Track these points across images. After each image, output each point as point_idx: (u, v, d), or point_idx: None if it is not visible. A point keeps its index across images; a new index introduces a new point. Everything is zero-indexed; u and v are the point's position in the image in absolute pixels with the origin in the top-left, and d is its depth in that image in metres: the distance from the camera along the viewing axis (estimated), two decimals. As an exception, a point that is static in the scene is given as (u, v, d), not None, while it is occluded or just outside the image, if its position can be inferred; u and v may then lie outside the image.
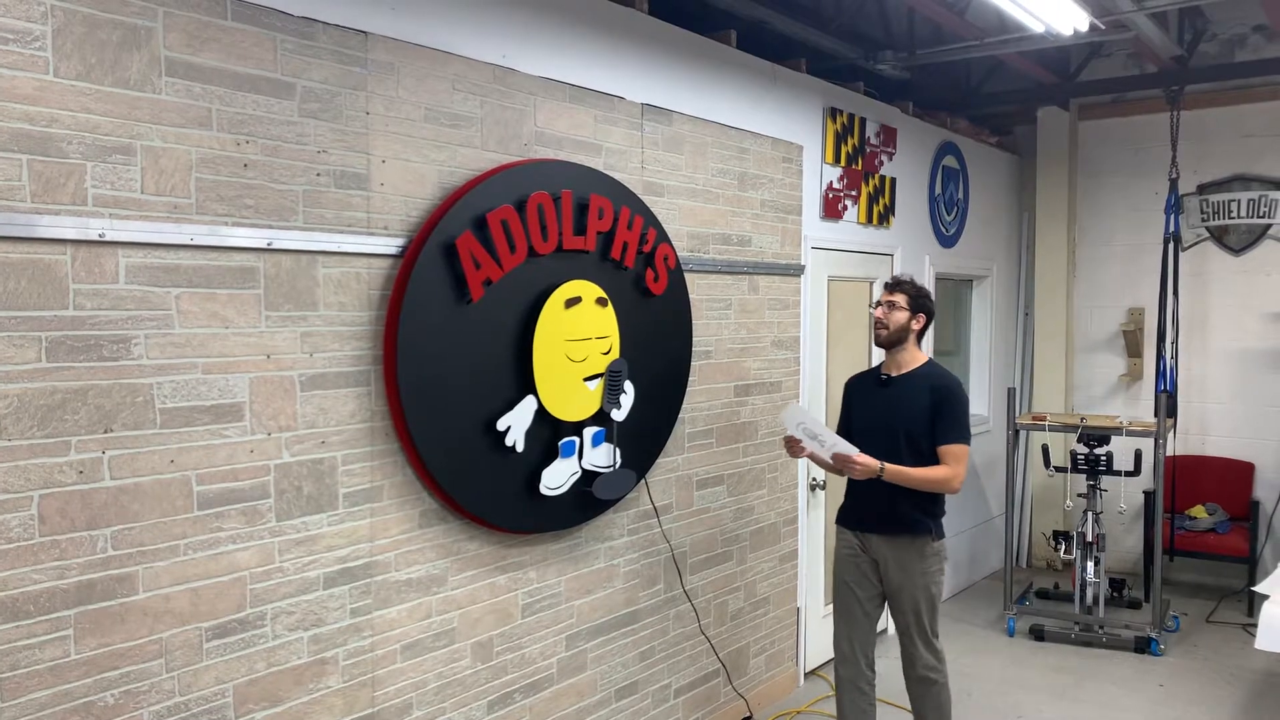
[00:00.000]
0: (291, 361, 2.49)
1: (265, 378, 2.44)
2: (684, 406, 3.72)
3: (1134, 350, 6.40)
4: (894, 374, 3.43)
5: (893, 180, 5.13)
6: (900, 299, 3.37)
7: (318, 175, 2.53)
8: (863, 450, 3.26)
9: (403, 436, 2.72)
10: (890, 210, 5.12)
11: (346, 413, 2.62)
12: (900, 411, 3.36)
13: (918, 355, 3.44)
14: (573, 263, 3.14)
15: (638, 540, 3.61)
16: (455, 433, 2.82)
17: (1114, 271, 6.50)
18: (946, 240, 5.77)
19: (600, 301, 3.20)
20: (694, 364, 3.77)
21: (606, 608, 3.49)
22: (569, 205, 3.07)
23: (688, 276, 3.67)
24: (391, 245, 2.70)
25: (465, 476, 2.87)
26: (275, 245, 2.44)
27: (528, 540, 3.16)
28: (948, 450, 3.30)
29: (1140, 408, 6.39)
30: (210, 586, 2.35)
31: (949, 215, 5.77)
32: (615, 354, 3.27)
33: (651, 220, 3.44)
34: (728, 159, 3.95)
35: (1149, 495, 5.94)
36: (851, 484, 3.45)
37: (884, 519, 3.40)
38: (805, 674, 4.66)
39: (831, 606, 3.68)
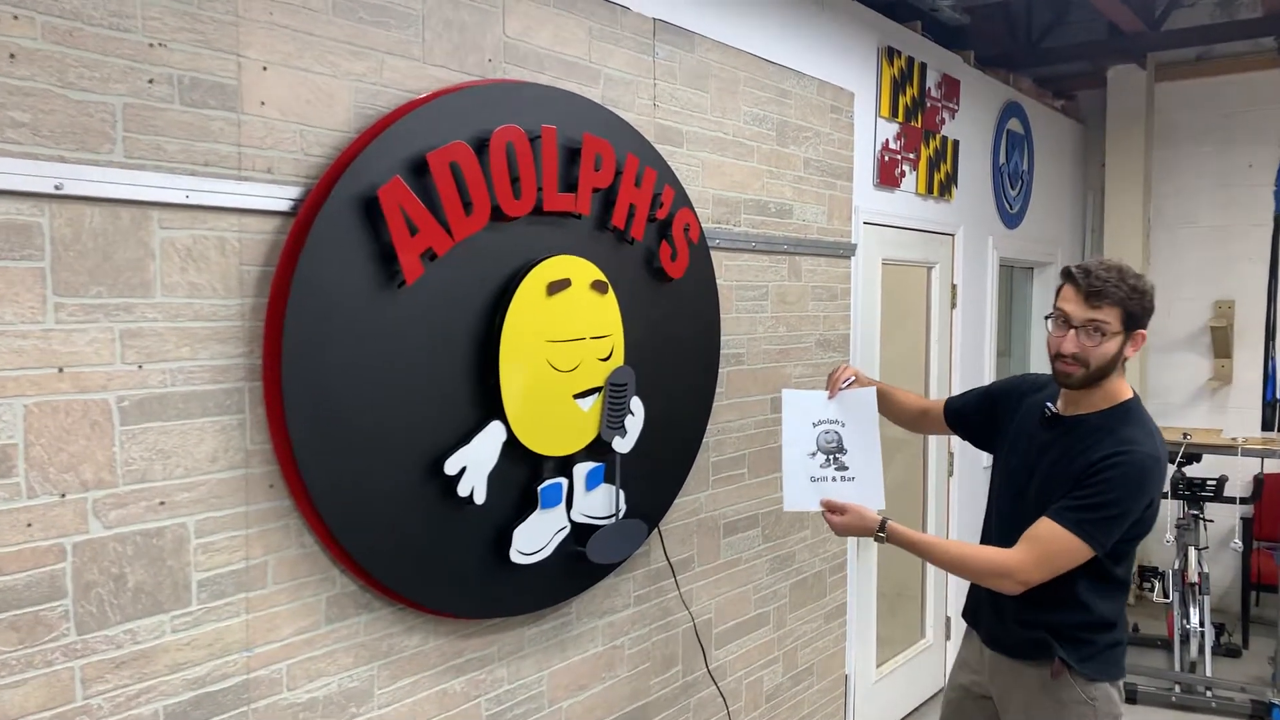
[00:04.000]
0: (104, 378, 1.56)
1: (55, 404, 1.51)
2: (708, 427, 2.79)
3: (1222, 350, 5.47)
4: (1066, 412, 2.14)
5: (955, 143, 4.20)
6: (1110, 316, 1.99)
7: (150, 82, 1.59)
8: (998, 507, 2.23)
9: (297, 489, 1.79)
10: (952, 180, 4.19)
11: (203, 456, 1.68)
12: (1048, 468, 2.12)
13: (1116, 391, 2.10)
14: (558, 231, 2.21)
15: (648, 610, 2.68)
16: (381, 480, 1.89)
17: (1197, 258, 5.57)
18: (1010, 219, 4.84)
19: (598, 287, 2.27)
20: (721, 370, 2.85)
21: (606, 705, 2.56)
22: (552, 148, 2.14)
23: (713, 255, 2.74)
24: (279, 197, 1.76)
25: (397, 544, 1.94)
26: (71, 190, 1.50)
27: (494, 626, 2.23)
28: (1038, 531, 2.02)
29: (1229, 417, 5.46)
30: (-51, 754, 1.42)
31: (1013, 190, 4.85)
32: (618, 360, 2.34)
33: (667, 176, 2.51)
34: (764, 103, 3.01)
35: (1246, 522, 5.03)
36: None
37: (996, 627, 2.22)
38: (853, 755, 3.73)
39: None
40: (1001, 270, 4.99)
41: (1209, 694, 4.24)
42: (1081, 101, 5.83)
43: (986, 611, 2.24)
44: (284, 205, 1.77)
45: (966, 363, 4.41)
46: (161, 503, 1.63)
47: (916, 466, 4.22)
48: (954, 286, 4.28)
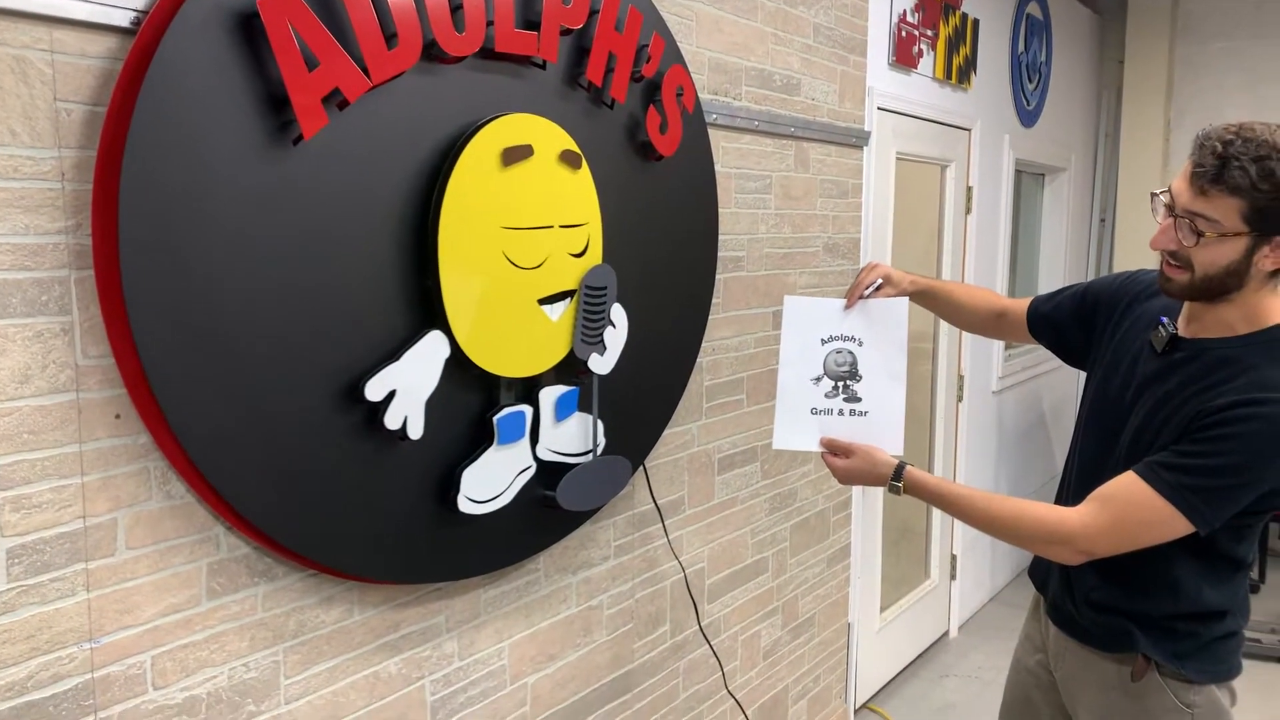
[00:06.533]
0: None
1: None
2: (702, 345, 2.32)
3: (1244, 265, 5.05)
4: (1187, 333, 1.59)
5: (975, 23, 3.68)
6: (1222, 212, 1.43)
7: None
8: (1082, 448, 1.73)
9: (154, 420, 1.30)
10: (971, 65, 3.68)
11: (7, 374, 1.18)
12: (1152, 405, 1.57)
13: (1262, 310, 1.52)
14: (515, 83, 1.69)
15: (630, 563, 2.24)
16: (277, 407, 1.40)
17: (1220, 165, 5.11)
18: (1028, 117, 4.34)
19: (568, 159, 1.76)
20: (717, 277, 2.36)
21: (581, 676, 2.13)
22: (507, -32, 1.61)
23: (710, 133, 2.24)
24: (111, 5, 1.23)
25: (305, 492, 1.45)
26: None
27: (440, 591, 1.77)
28: (1117, 489, 1.52)
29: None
30: None
31: (1030, 84, 4.34)
32: (596, 257, 1.85)
33: (656, 22, 1.99)
34: (769, -50, 2.48)
35: None
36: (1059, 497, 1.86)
37: (1063, 601, 1.73)
38: (855, 710, 3.36)
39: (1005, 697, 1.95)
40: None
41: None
42: (1098, -9, 5.30)
43: (1055, 578, 1.75)
44: (120, 18, 1.24)
45: (980, 277, 3.95)
46: (-59, 442, 1.14)
47: (923, 390, 3.79)
48: (969, 189, 3.80)
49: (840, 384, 1.81)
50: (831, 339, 1.83)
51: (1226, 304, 1.52)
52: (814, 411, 1.80)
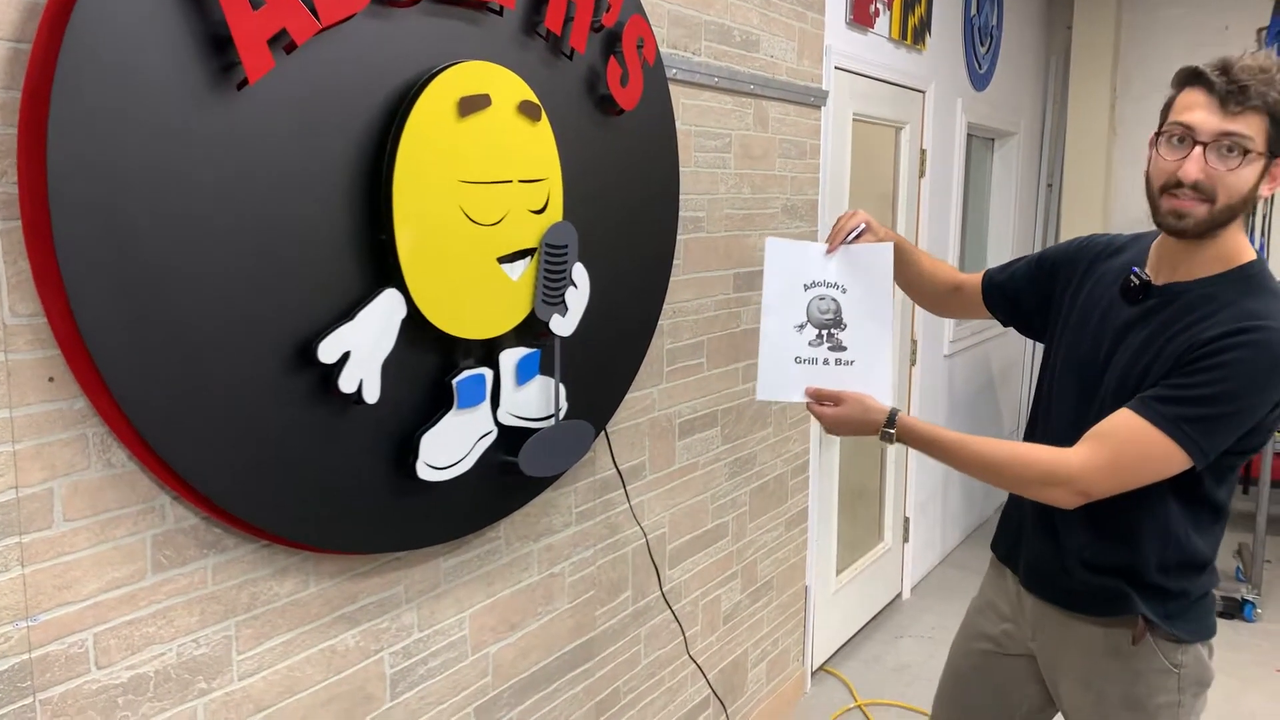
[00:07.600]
0: None
1: None
2: (663, 308, 2.27)
3: (1186, 229, 5.14)
4: (1160, 280, 1.58)
5: (931, -17, 3.65)
6: (1255, 130, 1.43)
7: None
8: (1056, 412, 1.69)
9: (92, 384, 1.22)
10: (926, 25, 3.66)
11: (-74, 334, 1.10)
12: (1133, 353, 1.56)
13: (1234, 249, 1.53)
14: (471, 29, 1.61)
15: (592, 529, 2.20)
16: (224, 370, 1.32)
17: (1164, 130, 5.18)
18: (979, 80, 4.34)
19: (527, 110, 1.69)
20: (679, 237, 2.31)
21: (543, 645, 2.09)
22: (462, -93, 1.53)
23: (670, 89, 2.17)
24: (32, -66, 1.14)
25: (255, 459, 1.38)
26: None
27: (398, 561, 1.71)
28: (1114, 425, 1.50)
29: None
30: None
31: (982, 47, 4.33)
32: (556, 214, 1.78)
33: (616, -30, 1.91)
34: (728, -100, 2.41)
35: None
36: None
37: (1047, 566, 1.70)
38: (812, 672, 3.38)
39: (940, 685, 1.99)
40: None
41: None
42: (1047, -44, 5.31)
43: (1033, 543, 1.71)
44: (43, -53, 1.14)
45: (934, 240, 3.95)
46: None
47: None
48: (923, 151, 3.78)
49: (824, 332, 1.75)
50: (814, 284, 1.76)
51: (1209, 242, 1.52)
52: (798, 360, 1.74)
